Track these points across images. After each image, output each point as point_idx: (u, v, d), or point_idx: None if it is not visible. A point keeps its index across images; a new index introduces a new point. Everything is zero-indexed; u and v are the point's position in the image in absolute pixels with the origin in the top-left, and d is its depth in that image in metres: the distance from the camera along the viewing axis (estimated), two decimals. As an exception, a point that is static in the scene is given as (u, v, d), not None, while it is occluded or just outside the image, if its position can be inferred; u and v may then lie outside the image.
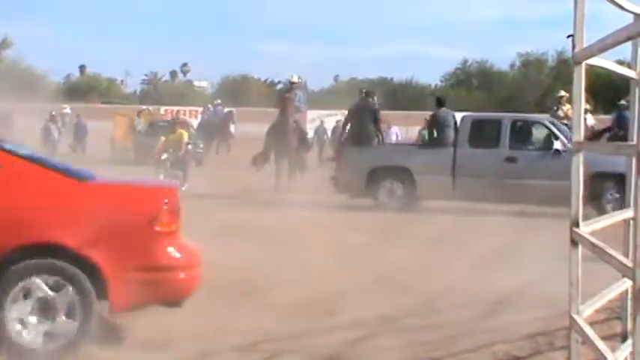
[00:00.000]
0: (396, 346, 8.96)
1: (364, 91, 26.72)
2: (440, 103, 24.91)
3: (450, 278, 12.60)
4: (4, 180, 8.45)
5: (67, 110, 48.90)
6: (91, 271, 8.32)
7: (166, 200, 8.94)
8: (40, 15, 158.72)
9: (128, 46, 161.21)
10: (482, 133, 22.04)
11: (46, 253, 8.38)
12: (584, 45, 5.31)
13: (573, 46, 5.55)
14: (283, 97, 23.62)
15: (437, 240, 16.66)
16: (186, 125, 32.40)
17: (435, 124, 23.89)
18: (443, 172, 21.40)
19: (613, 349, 4.82)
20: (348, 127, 24.84)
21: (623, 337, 5.30)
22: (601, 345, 4.61)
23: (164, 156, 24.74)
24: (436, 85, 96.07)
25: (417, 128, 44.96)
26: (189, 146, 26.58)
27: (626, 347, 4.34)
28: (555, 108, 24.81)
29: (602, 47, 4.98)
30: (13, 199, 8.42)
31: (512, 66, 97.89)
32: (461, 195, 21.06)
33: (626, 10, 4.75)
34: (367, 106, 25.14)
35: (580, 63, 5.45)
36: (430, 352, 8.84)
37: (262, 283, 11.54)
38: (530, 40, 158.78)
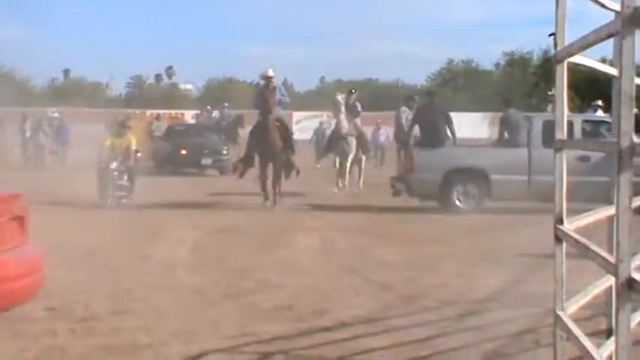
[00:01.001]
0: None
1: (428, 91, 26.44)
2: (508, 103, 24.38)
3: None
4: None
5: (56, 114, 48.58)
6: None
7: None
8: (24, 19, 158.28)
9: (112, 49, 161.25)
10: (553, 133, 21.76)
11: None
12: (567, 42, 5.32)
13: (555, 45, 5.56)
14: (261, 94, 22.05)
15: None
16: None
17: (507, 124, 23.21)
18: (519, 172, 20.86)
19: (598, 346, 4.82)
20: (415, 128, 23.74)
21: (608, 334, 5.30)
22: (586, 341, 4.62)
23: (114, 165, 22.81)
24: (422, 85, 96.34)
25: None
26: (138, 154, 24.94)
27: (611, 343, 4.35)
28: (548, 107, 24.95)
29: (583, 45, 4.99)
30: None
31: (497, 65, 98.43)
32: (535, 195, 20.19)
33: (607, 8, 4.76)
34: (436, 107, 24.69)
35: (562, 61, 5.47)
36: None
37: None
38: (515, 39, 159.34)
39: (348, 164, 24.90)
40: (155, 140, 41.59)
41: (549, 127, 20.94)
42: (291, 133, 22.45)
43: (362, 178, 25.61)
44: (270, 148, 21.36)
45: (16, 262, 8.99)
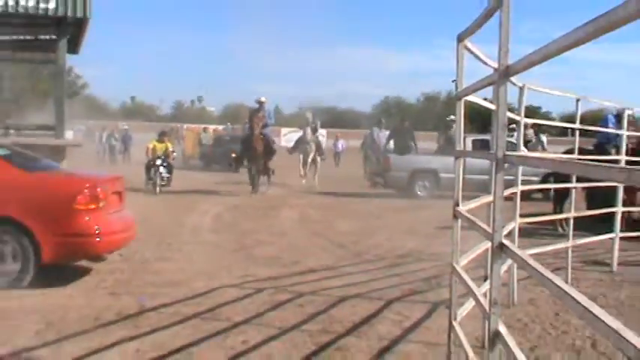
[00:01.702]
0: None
1: (401, 119, 26.58)
2: (449, 126, 23.63)
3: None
4: None
5: (125, 126, 48.25)
6: (25, 232, 8.47)
7: (87, 187, 8.83)
8: (104, 61, 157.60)
9: (162, 82, 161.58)
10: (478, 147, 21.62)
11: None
12: (463, 86, 5.36)
13: (456, 88, 5.60)
14: (253, 115, 21.77)
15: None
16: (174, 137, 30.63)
17: (449, 140, 22.54)
18: (451, 172, 20.21)
19: (479, 286, 4.87)
20: (391, 142, 24.06)
21: (485, 278, 5.35)
22: (471, 283, 4.66)
23: (158, 161, 22.51)
24: (369, 113, 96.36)
25: (355, 141, 44.78)
26: (174, 154, 24.42)
27: (486, 285, 4.40)
28: (447, 128, 24.94)
29: (474, 89, 5.03)
30: None
31: (417, 100, 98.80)
32: (467, 187, 19.73)
33: (489, 66, 4.80)
34: (405, 128, 24.86)
35: (460, 99, 5.50)
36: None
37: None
38: (429, 84, 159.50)
39: (309, 160, 24.90)
40: (203, 146, 40.47)
41: (475, 143, 21.08)
42: (272, 144, 22.20)
43: (317, 174, 25.51)
44: (254, 153, 21.17)
45: (116, 221, 9.30)
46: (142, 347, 6.27)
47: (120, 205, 9.79)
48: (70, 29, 18.08)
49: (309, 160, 25.13)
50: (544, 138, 21.56)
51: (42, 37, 20.59)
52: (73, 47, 20.56)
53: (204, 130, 48.63)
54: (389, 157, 22.93)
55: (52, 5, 16.21)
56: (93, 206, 8.75)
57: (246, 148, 22.00)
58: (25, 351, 6.14)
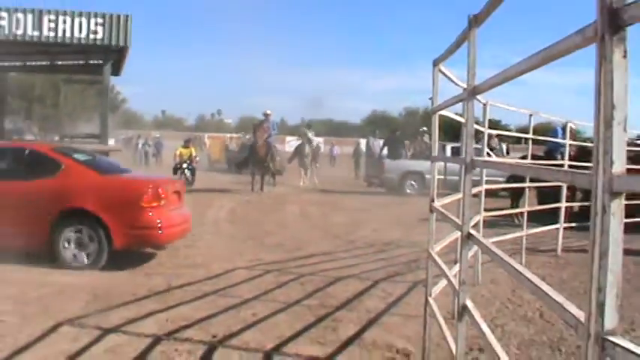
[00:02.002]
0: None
1: (424, 129, 26.48)
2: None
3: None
4: (65, 173, 9.03)
5: (158, 135, 48.14)
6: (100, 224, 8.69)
7: (150, 187, 8.98)
8: (140, 80, 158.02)
9: (189, 97, 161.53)
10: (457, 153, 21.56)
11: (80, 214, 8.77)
12: (438, 103, 5.35)
13: (432, 104, 5.59)
14: (257, 125, 21.20)
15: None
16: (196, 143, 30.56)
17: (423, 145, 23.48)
18: (440, 174, 20.15)
19: (450, 268, 4.86)
20: (385, 148, 23.89)
21: (455, 262, 5.35)
22: (443, 266, 4.65)
23: (184, 165, 22.63)
24: (359, 124, 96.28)
25: (347, 147, 44.81)
26: (197, 159, 24.27)
27: (456, 267, 4.40)
28: (420, 137, 24.93)
29: (446, 105, 5.02)
30: (68, 184, 8.92)
31: (400, 114, 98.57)
32: (447, 186, 19.71)
33: (459, 85, 4.80)
34: (398, 137, 24.81)
35: (435, 113, 5.50)
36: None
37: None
38: (411, 99, 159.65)
39: (309, 171, 25.04)
40: (230, 152, 39.55)
41: (454, 149, 20.98)
42: (275, 151, 21.53)
43: (315, 176, 25.65)
44: (258, 158, 20.75)
45: (175, 216, 9.40)
46: (170, 317, 6.28)
47: (179, 202, 9.90)
48: (114, 55, 18.19)
49: (309, 171, 25.25)
50: (504, 146, 21.55)
51: (91, 62, 20.67)
52: (116, 70, 20.65)
53: (231, 138, 48.63)
54: (384, 162, 23.02)
55: (99, 36, 16.35)
56: (155, 204, 8.92)
57: (250, 153, 21.64)
58: (78, 318, 6.18)
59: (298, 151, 25.65)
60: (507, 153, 21.55)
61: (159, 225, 8.90)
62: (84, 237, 8.70)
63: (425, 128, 26.05)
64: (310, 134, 25.71)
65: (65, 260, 8.64)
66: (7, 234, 8.69)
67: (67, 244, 8.70)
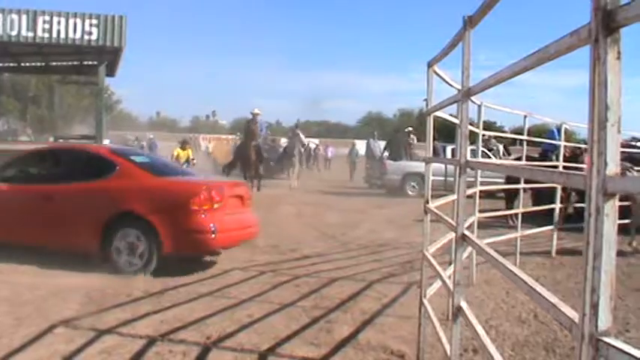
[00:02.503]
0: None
1: (410, 129, 26.33)
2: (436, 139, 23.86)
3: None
4: (119, 175, 8.88)
5: (151, 136, 47.94)
6: (150, 228, 8.44)
7: (202, 190, 8.66)
8: (134, 81, 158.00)
9: (183, 99, 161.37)
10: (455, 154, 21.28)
11: (131, 216, 8.57)
12: (432, 104, 5.36)
13: (426, 105, 5.60)
14: (249, 126, 20.50)
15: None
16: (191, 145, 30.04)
17: (435, 149, 22.73)
18: (440, 175, 19.94)
19: (444, 269, 4.87)
20: (387, 149, 24.10)
21: (450, 263, 5.35)
22: (438, 267, 4.66)
23: (184, 166, 22.30)
24: (354, 126, 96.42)
25: (343, 149, 44.84)
26: (194, 161, 23.99)
27: (452, 268, 4.41)
28: (405, 137, 24.89)
29: (441, 106, 5.03)
30: (120, 186, 8.76)
31: (394, 115, 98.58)
32: (448, 187, 19.58)
33: (453, 87, 4.81)
34: (399, 137, 24.80)
35: (430, 115, 5.50)
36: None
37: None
38: (405, 101, 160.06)
39: (295, 171, 24.74)
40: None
41: (454, 150, 20.89)
42: (263, 151, 21.40)
43: (297, 179, 25.01)
44: (248, 159, 20.38)
45: (233, 221, 9.00)
46: (165, 319, 6.28)
47: (241, 207, 9.50)
48: (109, 56, 18.17)
49: (296, 171, 24.90)
50: (501, 147, 21.57)
51: (85, 62, 20.65)
52: (110, 71, 20.62)
53: (234, 140, 48.39)
54: (385, 163, 23.02)
55: (94, 37, 16.31)
56: (208, 207, 8.57)
57: (239, 155, 21.33)
58: (72, 319, 6.17)
59: (287, 151, 25.26)
60: (509, 154, 21.45)
61: (212, 229, 8.50)
62: (134, 240, 8.46)
63: (410, 128, 26.09)
64: (302, 135, 25.53)
65: (117, 264, 8.44)
66: (60, 235, 8.69)
67: (118, 248, 8.49)
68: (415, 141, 25.27)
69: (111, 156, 9.30)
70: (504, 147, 20.12)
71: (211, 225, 8.50)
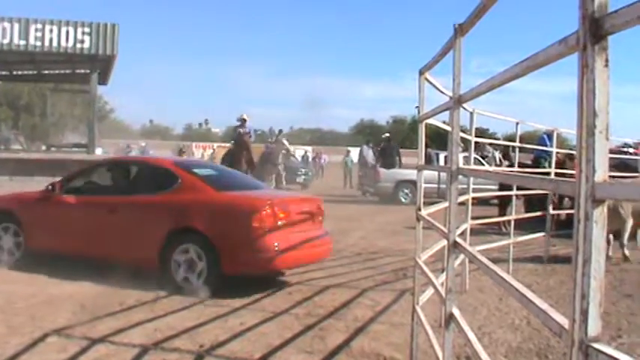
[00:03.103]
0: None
1: (387, 135, 26.14)
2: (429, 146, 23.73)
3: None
4: (180, 189, 8.50)
5: (143, 144, 47.79)
6: (209, 245, 7.93)
7: (266, 206, 8.00)
8: (127, 90, 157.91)
9: (176, 107, 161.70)
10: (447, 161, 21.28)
11: (190, 232, 8.14)
12: (424, 111, 5.38)
13: (418, 112, 5.62)
14: (237, 131, 19.21)
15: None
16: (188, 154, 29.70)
17: (429, 157, 22.09)
18: (434, 182, 20.21)
19: (437, 277, 4.88)
20: (380, 158, 23.75)
21: (442, 270, 5.35)
22: (430, 275, 4.66)
23: None
24: (347, 133, 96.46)
25: (337, 156, 44.90)
26: None
27: (444, 275, 4.41)
28: (383, 143, 24.88)
29: (433, 113, 5.05)
30: (180, 200, 8.38)
31: (387, 122, 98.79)
32: (441, 194, 18.68)
33: (445, 94, 4.82)
34: (392, 146, 24.52)
35: (422, 122, 5.52)
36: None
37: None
38: (398, 108, 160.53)
39: (283, 182, 23.92)
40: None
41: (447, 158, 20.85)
42: (252, 158, 19.83)
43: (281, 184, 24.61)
44: (238, 165, 18.78)
45: (300, 239, 8.30)
46: (158, 327, 6.26)
47: (310, 224, 8.77)
48: (101, 64, 18.17)
49: (283, 181, 24.28)
50: (497, 154, 21.59)
51: (78, 71, 20.65)
52: (103, 79, 20.66)
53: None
54: (378, 171, 22.98)
55: (86, 45, 16.35)
56: (271, 224, 7.93)
57: (230, 160, 19.88)
58: (65, 328, 6.15)
59: (269, 158, 23.60)
60: (509, 161, 21.56)
61: (275, 248, 7.86)
62: (194, 257, 7.95)
63: (387, 135, 26.10)
64: (286, 143, 25.19)
65: (175, 281, 7.97)
66: (119, 248, 8.48)
67: (177, 264, 8.01)
68: (366, 150, 25.32)
69: (173, 168, 8.92)
70: (503, 154, 20.12)
71: (275, 243, 7.87)
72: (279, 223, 8.05)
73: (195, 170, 9.11)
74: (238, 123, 19.85)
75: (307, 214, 8.78)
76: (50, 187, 9.36)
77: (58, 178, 9.81)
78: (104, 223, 8.69)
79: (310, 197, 9.93)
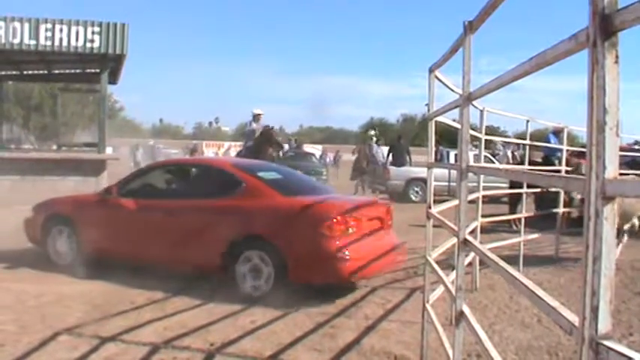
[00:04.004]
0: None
1: (398, 135, 25.95)
2: (439, 144, 23.13)
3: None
4: (243, 193, 8.14)
5: (151, 142, 47.67)
6: (276, 252, 7.59)
7: (335, 213, 7.62)
8: (137, 88, 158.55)
9: (186, 105, 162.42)
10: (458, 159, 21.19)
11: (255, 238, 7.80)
12: (434, 109, 5.37)
13: (428, 110, 5.61)
14: (269, 134, 16.63)
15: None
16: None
17: (441, 154, 22.63)
18: (444, 180, 19.94)
19: (447, 275, 4.87)
20: (390, 156, 23.42)
21: (452, 268, 5.34)
22: (441, 272, 4.66)
23: None
24: (357, 131, 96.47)
25: (345, 154, 44.78)
26: None
27: (454, 273, 4.41)
28: (367, 142, 24.75)
29: (443, 111, 5.04)
30: (245, 205, 7.99)
31: (397, 121, 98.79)
32: (452, 192, 18.62)
33: (454, 92, 4.81)
34: (402, 144, 24.24)
35: (432, 120, 5.52)
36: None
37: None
38: (407, 106, 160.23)
39: None
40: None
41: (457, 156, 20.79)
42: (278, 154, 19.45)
43: None
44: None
45: (370, 247, 7.89)
46: (169, 326, 6.28)
47: (380, 230, 8.41)
48: (111, 64, 18.21)
49: None
50: (508, 152, 21.51)
51: (88, 70, 20.71)
52: (113, 78, 20.67)
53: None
54: (388, 169, 22.89)
55: (96, 44, 16.33)
56: (341, 231, 7.55)
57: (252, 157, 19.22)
58: (76, 327, 6.19)
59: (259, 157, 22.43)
60: (520, 159, 21.41)
61: (345, 257, 7.42)
62: (259, 265, 7.66)
63: (373, 132, 25.96)
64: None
65: (240, 289, 7.69)
66: (180, 255, 8.21)
67: (241, 273, 7.73)
68: (376, 149, 24.81)
69: (235, 171, 8.54)
70: (513, 153, 20.06)
71: (346, 252, 7.46)
72: (350, 230, 7.68)
73: (260, 174, 8.66)
74: (251, 118, 18.19)
75: (377, 219, 8.44)
76: (106, 190, 9.22)
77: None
78: (163, 228, 8.41)
79: (379, 202, 9.52)
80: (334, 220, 7.53)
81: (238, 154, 21.53)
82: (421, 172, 21.70)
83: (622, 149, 12.73)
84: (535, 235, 10.08)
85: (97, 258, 8.78)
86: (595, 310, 1.57)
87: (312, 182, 9.87)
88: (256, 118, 17.65)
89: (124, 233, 8.72)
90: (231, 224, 7.92)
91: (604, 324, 1.57)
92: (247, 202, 7.98)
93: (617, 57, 1.59)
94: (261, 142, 16.22)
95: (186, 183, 9.32)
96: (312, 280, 7.64)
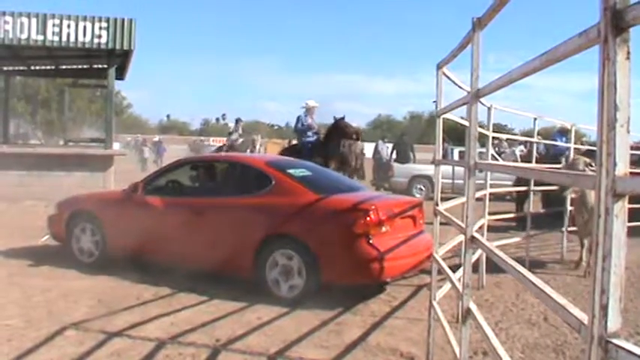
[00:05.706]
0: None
1: (402, 132, 25.82)
2: (447, 142, 22.34)
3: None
4: (274, 191, 7.89)
5: (156, 139, 47.71)
6: (308, 252, 7.35)
7: (369, 212, 7.31)
8: (144, 84, 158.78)
9: (193, 102, 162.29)
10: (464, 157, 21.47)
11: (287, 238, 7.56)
12: (442, 106, 5.36)
13: (436, 107, 5.60)
14: (303, 122, 15.10)
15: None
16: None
17: (445, 151, 22.05)
18: (448, 177, 19.83)
19: (454, 272, 4.86)
20: (394, 152, 23.37)
21: (459, 266, 5.33)
22: (448, 270, 4.65)
23: None
24: (364, 129, 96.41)
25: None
26: None
27: (461, 270, 4.40)
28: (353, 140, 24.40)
29: (450, 108, 5.03)
30: (275, 203, 7.75)
31: (405, 118, 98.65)
32: (456, 189, 18.60)
33: (462, 89, 4.80)
34: (406, 141, 24.24)
35: (440, 117, 5.50)
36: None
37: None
38: (414, 104, 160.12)
39: None
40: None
41: (461, 153, 20.81)
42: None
43: None
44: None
45: (404, 246, 7.61)
46: (175, 321, 6.29)
47: (413, 229, 8.17)
48: (118, 60, 18.24)
49: None
50: (516, 150, 21.42)
51: (95, 66, 20.74)
52: (120, 74, 20.71)
53: (289, 142, 47.73)
54: (392, 166, 22.87)
55: (103, 40, 16.37)
56: (375, 230, 7.32)
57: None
58: (82, 322, 6.20)
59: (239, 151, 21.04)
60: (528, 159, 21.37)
61: (379, 256, 7.20)
62: (290, 265, 7.43)
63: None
64: (257, 137, 24.22)
65: (272, 291, 7.46)
66: (208, 255, 7.99)
67: (272, 273, 7.50)
68: (382, 145, 24.57)
69: (265, 168, 8.30)
70: (527, 149, 19.92)
71: (380, 251, 7.24)
72: (384, 228, 7.45)
73: (290, 171, 8.38)
74: (303, 112, 15.67)
75: (410, 217, 8.22)
76: (132, 187, 8.96)
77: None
78: (190, 226, 8.22)
79: (412, 199, 9.35)
80: (369, 218, 7.31)
81: (219, 150, 21.24)
82: (424, 169, 21.75)
83: (632, 148, 12.65)
84: (542, 233, 10.06)
85: (123, 256, 8.69)
86: (604, 308, 1.56)
87: (343, 179, 9.68)
88: (310, 110, 15.60)
89: (151, 231, 8.52)
90: (261, 223, 7.71)
91: (613, 322, 1.56)
92: (277, 200, 7.77)
93: (628, 53, 1.58)
94: (332, 136, 14.67)
95: (214, 180, 9.15)
96: (346, 281, 7.45)
